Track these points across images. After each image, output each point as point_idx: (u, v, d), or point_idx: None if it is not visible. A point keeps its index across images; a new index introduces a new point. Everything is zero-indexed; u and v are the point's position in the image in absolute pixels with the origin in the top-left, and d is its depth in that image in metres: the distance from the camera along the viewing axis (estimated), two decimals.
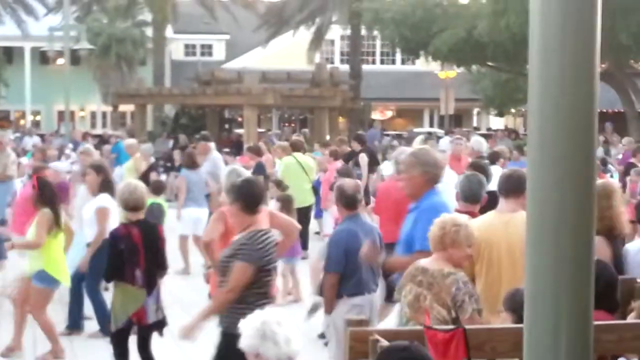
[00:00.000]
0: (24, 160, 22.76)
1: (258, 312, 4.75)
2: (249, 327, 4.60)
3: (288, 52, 44.31)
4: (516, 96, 35.73)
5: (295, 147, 17.02)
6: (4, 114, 47.69)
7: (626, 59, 28.15)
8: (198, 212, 14.82)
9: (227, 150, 22.81)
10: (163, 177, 20.16)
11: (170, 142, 30.66)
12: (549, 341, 2.56)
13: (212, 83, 32.23)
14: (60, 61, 39.23)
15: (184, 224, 14.91)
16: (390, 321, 7.36)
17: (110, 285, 8.91)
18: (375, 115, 46.77)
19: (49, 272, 9.71)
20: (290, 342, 4.60)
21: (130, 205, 8.41)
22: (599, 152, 17.25)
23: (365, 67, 42.28)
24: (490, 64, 31.72)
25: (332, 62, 45.39)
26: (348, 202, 7.97)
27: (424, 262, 5.94)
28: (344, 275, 7.72)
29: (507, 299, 5.34)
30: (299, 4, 40.35)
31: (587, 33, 2.49)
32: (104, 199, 10.58)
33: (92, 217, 10.58)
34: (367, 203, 23.14)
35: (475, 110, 48.74)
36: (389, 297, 8.94)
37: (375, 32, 35.22)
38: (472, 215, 6.91)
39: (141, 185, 8.85)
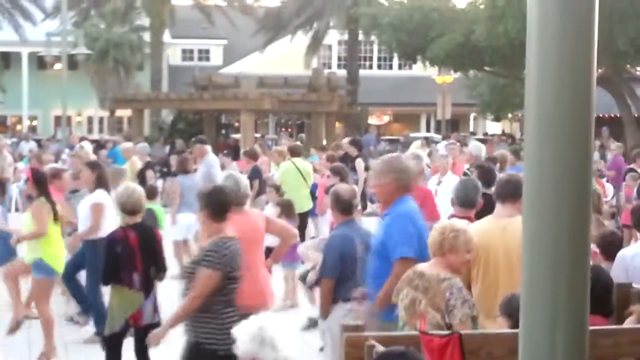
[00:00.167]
0: (20, 165, 22.74)
1: (253, 317, 4.74)
2: (245, 333, 4.59)
3: (285, 57, 44.35)
4: (513, 101, 35.76)
5: (294, 152, 17.03)
6: (1, 119, 47.69)
7: (623, 64, 28.17)
8: (191, 217, 14.80)
9: (225, 152, 22.78)
10: (159, 181, 20.15)
11: (167, 148, 30.65)
12: (544, 346, 2.55)
13: (210, 88, 32.26)
14: (58, 66, 39.20)
15: (177, 230, 14.89)
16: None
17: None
18: (372, 120, 46.80)
19: (47, 261, 9.74)
20: (286, 346, 4.59)
21: (128, 208, 8.42)
22: (595, 156, 17.26)
23: (362, 72, 42.34)
24: (487, 69, 31.75)
25: (330, 67, 45.41)
26: (344, 207, 7.96)
27: (422, 266, 5.94)
28: (340, 280, 7.71)
29: (503, 304, 5.34)
30: (297, 9, 40.39)
31: (584, 38, 2.49)
32: (100, 195, 10.59)
33: (88, 213, 10.60)
34: (364, 208, 23.23)
35: (472, 115, 48.77)
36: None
37: (373, 37, 35.24)
38: (469, 220, 6.90)
39: (139, 188, 8.85)
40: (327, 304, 7.74)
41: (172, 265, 13.61)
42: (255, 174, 16.14)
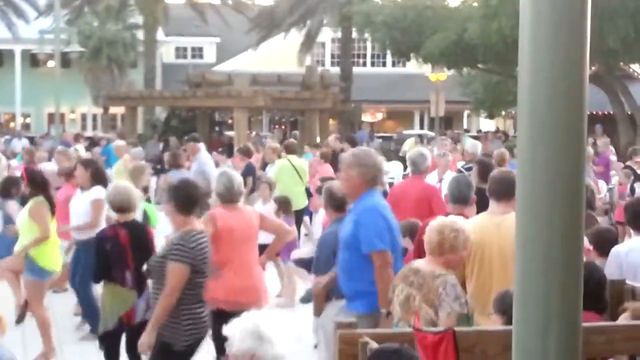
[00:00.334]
0: (14, 162, 22.71)
1: (246, 314, 4.73)
2: (241, 330, 4.57)
3: (279, 55, 44.33)
4: (506, 98, 35.78)
5: (289, 150, 17.05)
6: None
7: (615, 62, 28.20)
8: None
9: (220, 150, 22.79)
10: (153, 179, 20.13)
11: (161, 145, 30.62)
12: (538, 343, 2.55)
13: (203, 85, 32.21)
14: (51, 64, 39.12)
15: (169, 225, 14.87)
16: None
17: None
18: (366, 118, 46.79)
19: (39, 262, 9.69)
20: (280, 343, 4.59)
21: (117, 206, 8.44)
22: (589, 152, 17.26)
23: (355, 70, 42.33)
24: (480, 66, 31.76)
25: (323, 65, 45.39)
26: (337, 204, 7.97)
27: (417, 263, 5.95)
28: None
29: (496, 301, 5.35)
30: (290, 6, 40.34)
31: (576, 36, 2.49)
32: (98, 191, 10.55)
33: (84, 209, 10.56)
34: None
35: (466, 113, 48.81)
36: None
37: (366, 35, 35.23)
38: (462, 216, 6.91)
39: (128, 186, 8.86)
40: (320, 301, 7.75)
41: None
42: (249, 171, 16.14)
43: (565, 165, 2.50)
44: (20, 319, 10.32)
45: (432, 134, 37.03)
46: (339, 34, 41.47)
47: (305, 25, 40.91)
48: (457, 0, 31.86)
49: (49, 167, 16.06)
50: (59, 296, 12.09)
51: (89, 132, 42.61)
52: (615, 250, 6.94)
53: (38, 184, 9.89)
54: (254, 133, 33.80)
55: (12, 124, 46.87)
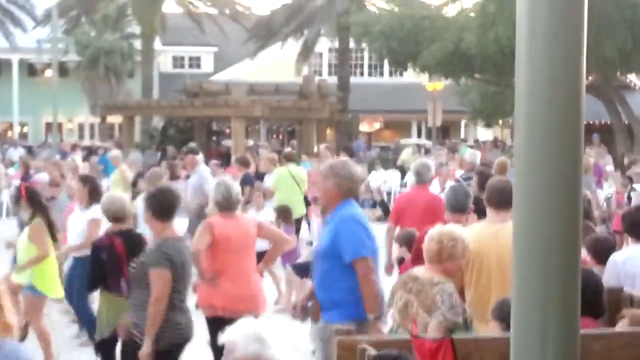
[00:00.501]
0: (11, 171, 22.72)
1: (243, 321, 4.72)
2: (244, 336, 4.55)
3: (276, 65, 44.36)
4: (503, 108, 35.82)
5: (288, 159, 17.10)
6: None
7: (612, 72, 28.25)
8: (178, 222, 14.82)
9: (217, 162, 22.81)
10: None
11: (159, 155, 30.63)
12: (536, 350, 2.56)
13: (200, 95, 32.24)
14: (48, 73, 39.19)
15: None
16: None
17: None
18: (363, 127, 46.82)
19: (39, 287, 9.69)
20: (279, 348, 4.59)
21: (111, 216, 8.47)
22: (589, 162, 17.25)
23: (353, 80, 42.37)
24: (477, 76, 31.79)
25: (320, 75, 45.43)
26: None
27: (416, 270, 5.97)
28: None
29: (495, 309, 5.35)
30: (287, 16, 40.40)
31: (573, 46, 2.50)
32: (96, 210, 10.56)
33: (82, 228, 10.56)
34: None
35: (463, 122, 48.86)
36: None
37: (364, 45, 35.28)
38: (460, 225, 6.92)
39: (122, 196, 8.89)
40: (318, 308, 7.74)
41: None
42: (246, 181, 16.15)
43: (562, 174, 2.51)
44: (22, 340, 10.28)
45: (429, 143, 37.04)
46: (336, 44, 41.51)
47: (302, 35, 40.96)
48: (454, 10, 31.92)
49: (45, 178, 16.09)
50: (56, 304, 12.07)
51: (86, 142, 42.65)
52: (613, 258, 6.95)
53: (37, 205, 9.87)
54: (251, 142, 33.83)
55: (9, 133, 46.88)
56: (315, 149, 27.87)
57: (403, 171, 28.94)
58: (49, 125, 40.02)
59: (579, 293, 2.57)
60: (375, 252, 6.88)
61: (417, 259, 6.56)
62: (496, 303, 5.42)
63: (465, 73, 31.17)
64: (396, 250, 9.73)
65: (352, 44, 39.48)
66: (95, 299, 10.13)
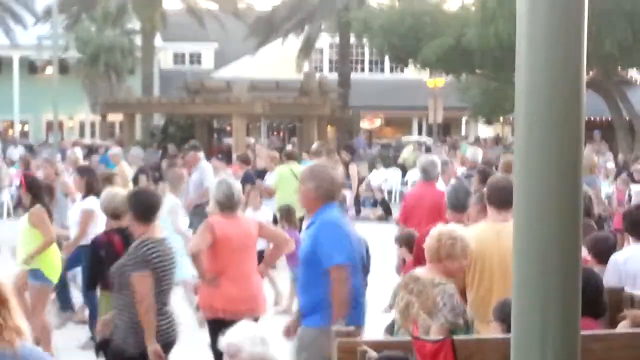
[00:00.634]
0: (12, 170, 22.72)
1: (241, 324, 4.71)
2: (249, 337, 4.54)
3: (277, 61, 44.34)
4: (504, 104, 35.81)
5: (290, 157, 17.09)
6: None
7: (613, 67, 28.24)
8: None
9: (219, 156, 22.79)
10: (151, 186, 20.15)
11: (160, 153, 30.61)
12: (536, 351, 2.55)
13: (201, 92, 32.22)
14: (49, 70, 39.17)
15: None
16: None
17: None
18: (364, 124, 46.81)
19: (44, 271, 9.71)
20: (278, 349, 4.59)
21: (110, 212, 8.48)
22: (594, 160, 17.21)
23: (353, 76, 42.34)
24: (478, 72, 31.78)
25: (321, 71, 45.41)
26: None
27: (418, 270, 5.97)
28: None
29: (496, 309, 5.35)
30: (288, 12, 40.38)
31: (573, 41, 2.49)
32: (91, 201, 10.57)
33: (78, 219, 10.61)
34: (358, 213, 23.28)
35: (464, 119, 48.83)
36: None
37: (364, 41, 35.27)
38: (461, 224, 6.92)
39: (120, 193, 8.89)
40: None
41: None
42: (247, 179, 16.15)
43: (563, 174, 2.50)
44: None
45: (430, 140, 37.04)
46: (337, 40, 41.50)
47: (303, 31, 40.96)
48: (455, 6, 31.91)
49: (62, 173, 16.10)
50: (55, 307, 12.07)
51: (87, 140, 42.62)
52: (614, 258, 6.94)
53: (37, 192, 9.90)
54: (252, 140, 33.82)
55: (10, 132, 46.88)
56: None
57: (404, 169, 28.94)
58: (49, 124, 40.03)
59: (579, 293, 2.57)
60: (354, 257, 6.81)
61: (420, 259, 6.55)
62: (497, 304, 5.41)
63: (465, 69, 31.17)
64: (397, 251, 9.72)
65: (352, 40, 39.48)
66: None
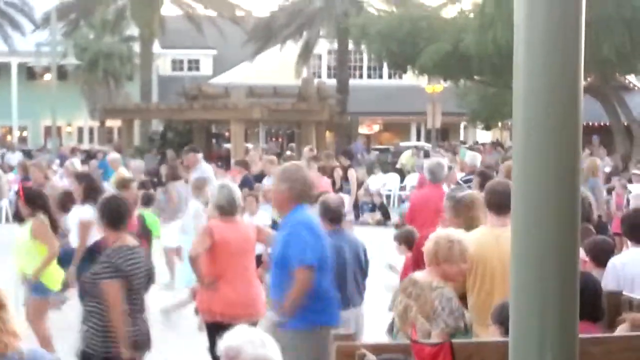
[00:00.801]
0: (10, 176, 22.69)
1: (239, 327, 4.69)
2: (248, 341, 4.52)
3: (275, 67, 44.35)
4: (502, 109, 35.83)
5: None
6: None
7: (611, 72, 28.27)
8: (175, 224, 14.86)
9: (219, 163, 22.80)
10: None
11: (158, 159, 30.59)
12: (534, 355, 2.55)
13: (200, 98, 32.22)
14: (47, 77, 39.16)
15: (169, 237, 14.92)
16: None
17: None
18: (363, 130, 46.82)
19: (44, 281, 9.68)
20: (277, 352, 4.57)
21: None
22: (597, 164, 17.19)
23: (352, 82, 42.35)
24: (476, 78, 31.80)
25: (319, 77, 45.42)
26: (332, 216, 8.01)
27: (417, 274, 5.96)
28: None
29: (494, 312, 5.34)
30: (286, 19, 40.41)
31: (571, 46, 2.49)
32: (87, 210, 10.56)
33: (76, 229, 10.61)
34: (357, 217, 23.27)
35: (462, 124, 48.86)
36: None
37: (363, 47, 35.29)
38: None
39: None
40: None
41: (163, 273, 13.68)
42: (245, 183, 16.14)
43: (561, 176, 2.50)
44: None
45: (429, 145, 37.03)
46: (335, 46, 41.52)
47: (301, 37, 40.98)
48: (453, 12, 31.93)
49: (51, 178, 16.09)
50: (59, 311, 12.03)
51: (85, 145, 42.62)
52: (612, 262, 6.94)
53: (36, 203, 9.85)
54: (251, 145, 33.83)
55: (9, 138, 46.87)
56: (315, 152, 27.80)
57: (402, 174, 28.95)
58: (48, 129, 40.03)
59: (577, 297, 2.57)
60: (324, 261, 6.79)
61: (418, 263, 6.55)
62: (496, 307, 5.40)
63: (463, 74, 31.19)
64: (396, 249, 9.71)
65: (351, 46, 39.51)
66: None
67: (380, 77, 50.14)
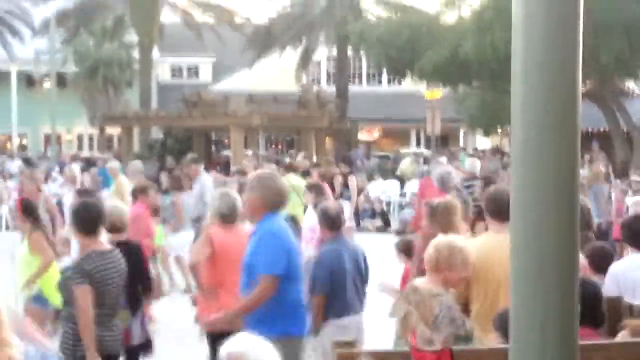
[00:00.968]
0: (10, 183, 22.68)
1: (240, 336, 4.67)
2: (251, 347, 4.51)
3: (274, 74, 44.35)
4: (501, 115, 35.80)
5: (289, 169, 17.12)
6: None
7: (609, 78, 28.26)
8: (183, 234, 14.87)
9: (218, 169, 22.82)
10: None
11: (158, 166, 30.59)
12: None
13: (199, 105, 32.23)
14: (47, 84, 39.20)
15: (176, 245, 15.00)
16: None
17: None
18: (362, 136, 46.79)
19: (46, 293, 9.67)
20: None
21: (109, 226, 8.46)
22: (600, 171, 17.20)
23: (351, 88, 42.35)
24: (475, 84, 31.78)
25: (319, 83, 45.41)
26: (331, 223, 8.02)
27: (418, 281, 5.97)
28: (330, 297, 7.73)
29: (495, 319, 5.34)
30: (285, 25, 40.44)
31: (569, 50, 2.50)
32: None
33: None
34: (358, 224, 23.28)
35: (462, 131, 48.84)
36: None
37: (362, 53, 35.28)
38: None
39: (120, 206, 8.89)
40: (318, 320, 7.75)
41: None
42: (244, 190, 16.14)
43: (559, 182, 2.50)
44: None
45: (428, 152, 37.02)
46: (335, 53, 41.54)
47: (300, 43, 41.00)
48: (452, 18, 31.92)
49: (44, 189, 16.06)
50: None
51: (85, 153, 42.62)
52: (613, 268, 6.94)
53: (33, 216, 9.86)
54: (250, 152, 33.84)
55: (8, 145, 46.87)
56: (315, 159, 27.81)
57: (402, 180, 28.94)
58: (47, 137, 40.02)
59: (577, 304, 2.57)
60: (293, 270, 6.75)
61: (421, 266, 6.56)
62: (496, 314, 5.40)
63: (462, 80, 31.18)
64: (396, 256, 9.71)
65: (350, 53, 39.51)
66: None
67: (380, 83, 50.15)
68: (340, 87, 40.53)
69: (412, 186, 25.72)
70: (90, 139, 48.28)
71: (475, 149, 41.66)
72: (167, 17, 44.49)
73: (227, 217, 8.30)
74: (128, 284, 8.10)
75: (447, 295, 5.71)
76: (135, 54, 42.29)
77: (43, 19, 40.67)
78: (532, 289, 2.54)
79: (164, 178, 23.39)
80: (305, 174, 18.19)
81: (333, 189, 18.02)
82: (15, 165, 29.98)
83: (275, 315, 6.54)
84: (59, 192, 19.07)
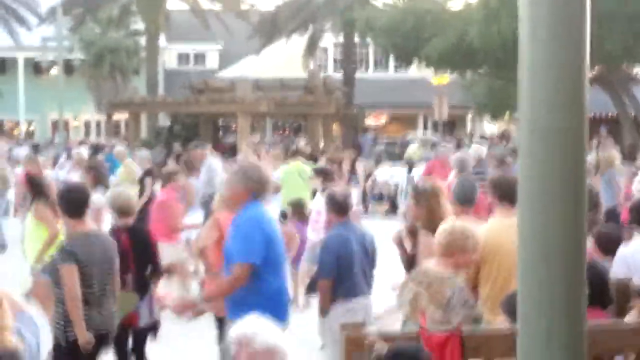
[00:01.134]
0: (18, 170, 22.70)
1: (249, 318, 4.67)
2: (259, 329, 4.52)
3: (281, 61, 44.33)
4: (508, 101, 35.75)
5: (296, 155, 17.16)
6: None
7: (616, 64, 28.18)
8: (192, 217, 14.87)
9: (225, 155, 22.83)
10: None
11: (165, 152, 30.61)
12: (543, 343, 2.55)
13: (206, 92, 32.22)
14: (54, 71, 39.25)
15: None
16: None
17: None
18: (370, 122, 46.76)
19: None
20: (287, 343, 4.57)
21: (116, 210, 8.51)
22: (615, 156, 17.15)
23: (358, 75, 42.31)
24: (481, 71, 31.72)
25: (326, 70, 45.38)
26: (339, 208, 8.04)
27: (427, 264, 5.99)
28: (337, 280, 7.76)
29: (504, 302, 5.35)
30: (292, 12, 40.38)
31: (576, 47, 2.50)
32: (97, 197, 10.59)
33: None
34: (366, 209, 23.31)
35: (469, 116, 48.79)
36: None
37: (368, 40, 35.23)
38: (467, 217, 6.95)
39: (126, 190, 8.92)
40: (326, 303, 7.78)
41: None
42: None
43: (567, 168, 2.50)
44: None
45: (435, 138, 36.98)
46: (341, 39, 41.49)
47: (307, 30, 40.96)
48: (459, 4, 31.83)
49: (52, 175, 16.10)
50: None
51: (92, 139, 42.69)
52: (621, 250, 6.95)
53: (39, 189, 9.94)
54: (257, 139, 33.86)
55: (16, 132, 46.96)
56: (322, 145, 27.81)
57: (410, 166, 28.93)
58: (55, 123, 40.08)
59: (585, 293, 2.57)
60: (271, 258, 6.69)
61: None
62: (504, 297, 5.41)
63: (468, 67, 31.12)
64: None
65: (357, 39, 39.46)
66: None
67: (387, 69, 50.09)
68: (347, 74, 40.50)
69: (420, 171, 25.71)
70: (98, 125, 48.36)
71: (482, 137, 41.60)
72: (174, 4, 44.50)
73: None
74: (136, 267, 8.14)
75: (458, 278, 5.73)
76: (142, 41, 42.31)
77: (50, 7, 40.68)
78: (539, 274, 2.55)
79: (171, 164, 23.40)
80: (313, 158, 18.20)
81: (341, 174, 18.04)
82: (22, 151, 30.02)
83: (255, 303, 6.51)
84: (67, 178, 19.06)
